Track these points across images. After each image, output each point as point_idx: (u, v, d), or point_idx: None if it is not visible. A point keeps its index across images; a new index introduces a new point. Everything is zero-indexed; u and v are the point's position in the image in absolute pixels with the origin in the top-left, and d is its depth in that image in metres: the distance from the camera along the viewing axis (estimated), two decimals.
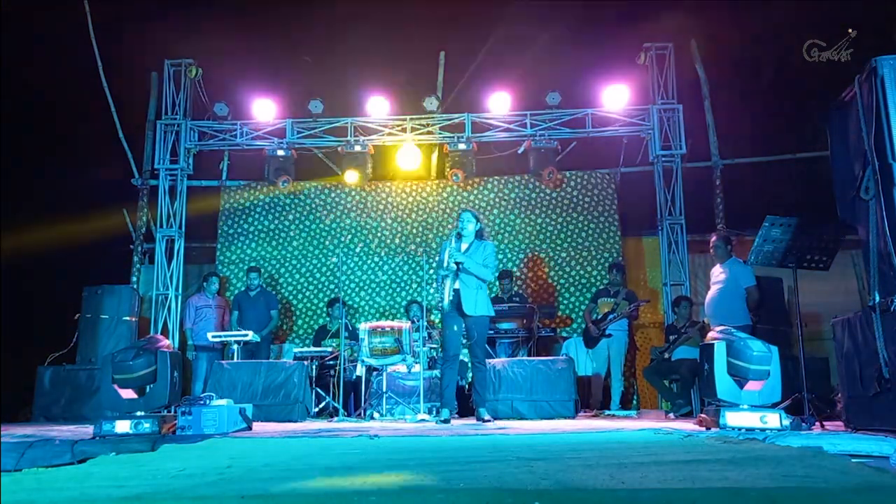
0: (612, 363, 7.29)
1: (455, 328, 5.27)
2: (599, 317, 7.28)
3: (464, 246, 5.38)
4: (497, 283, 8.04)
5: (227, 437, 3.90)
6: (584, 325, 7.54)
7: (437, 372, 5.89)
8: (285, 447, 3.18)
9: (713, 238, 6.52)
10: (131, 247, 8.60)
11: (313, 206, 8.89)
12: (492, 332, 7.37)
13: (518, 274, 8.42)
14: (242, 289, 8.12)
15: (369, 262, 8.72)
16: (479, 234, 5.45)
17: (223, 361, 6.50)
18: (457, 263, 5.20)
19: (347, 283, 8.54)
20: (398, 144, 8.45)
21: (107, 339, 7.27)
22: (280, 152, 8.47)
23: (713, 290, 6.38)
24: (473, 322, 5.26)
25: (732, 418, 3.92)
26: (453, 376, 5.39)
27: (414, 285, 8.57)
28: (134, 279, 8.44)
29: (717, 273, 6.43)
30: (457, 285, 5.21)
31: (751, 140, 9.40)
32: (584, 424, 4.99)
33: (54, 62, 9.67)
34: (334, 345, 6.95)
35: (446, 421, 5.19)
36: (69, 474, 2.32)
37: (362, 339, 6.30)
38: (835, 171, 4.34)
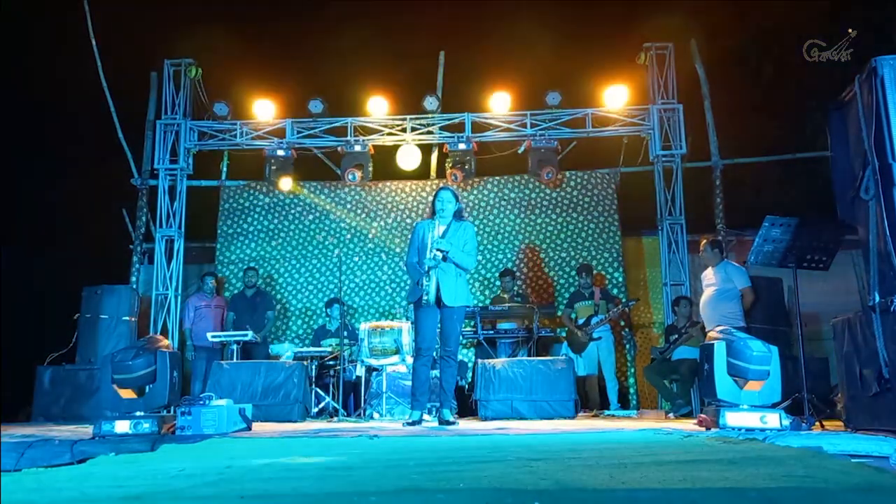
0: (603, 364, 7.30)
1: (431, 320, 4.85)
2: (583, 321, 7.29)
3: (441, 228, 4.88)
4: (499, 282, 8.05)
5: (227, 437, 3.89)
6: (564, 331, 7.54)
7: (437, 372, 5.86)
8: (285, 447, 3.18)
9: (702, 243, 6.60)
10: (131, 247, 8.59)
11: (313, 206, 8.88)
12: (492, 331, 7.37)
13: (518, 274, 8.41)
14: (241, 288, 8.12)
15: (369, 262, 8.71)
16: (458, 215, 4.96)
17: (222, 361, 6.49)
18: (440, 251, 4.70)
19: (347, 283, 8.53)
20: (398, 144, 8.45)
21: (106, 339, 7.25)
22: (280, 152, 8.47)
23: (707, 292, 6.42)
24: (450, 313, 4.83)
25: (732, 418, 3.92)
26: (427, 373, 4.95)
27: None
28: (133, 279, 8.42)
29: (709, 276, 6.48)
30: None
31: (751, 140, 9.42)
32: (584, 424, 4.99)
33: (54, 62, 9.68)
34: (334, 345, 6.95)
35: (416, 423, 4.78)
36: (69, 474, 2.32)
37: (362, 340, 6.30)
38: (835, 171, 4.34)
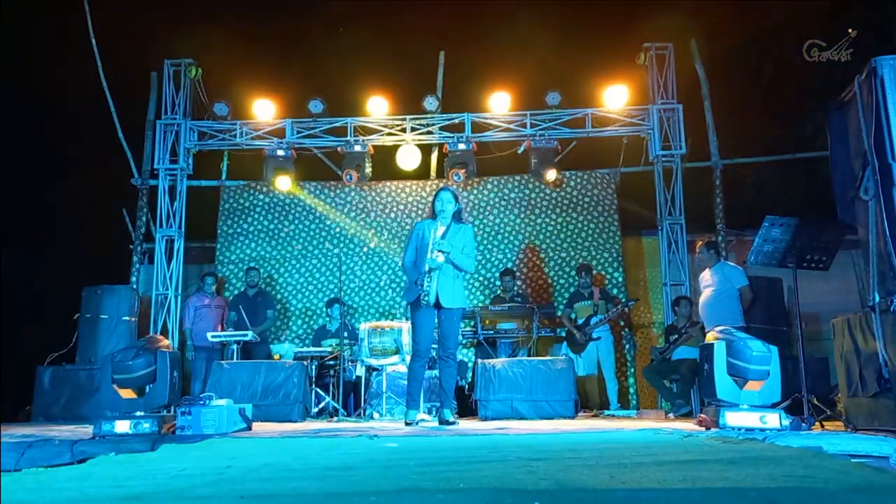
0: (603, 364, 7.31)
1: (428, 321, 4.86)
2: (582, 321, 7.30)
3: (441, 229, 4.86)
4: (499, 282, 8.05)
5: (227, 437, 3.89)
6: (564, 331, 7.54)
7: (436, 372, 5.86)
8: (285, 447, 3.18)
9: (698, 245, 6.63)
10: (131, 247, 8.59)
11: (313, 206, 8.88)
12: (492, 332, 7.37)
13: (518, 274, 8.41)
14: (242, 289, 8.12)
15: (369, 262, 8.72)
16: (458, 216, 4.93)
17: (222, 361, 6.50)
18: (441, 252, 4.70)
19: (347, 283, 8.53)
20: (398, 144, 8.45)
21: (106, 339, 7.25)
22: (280, 152, 8.47)
23: (705, 293, 6.44)
24: (448, 315, 4.84)
25: (732, 418, 3.92)
26: (423, 374, 5.01)
27: None
28: (133, 279, 8.42)
29: (707, 277, 6.52)
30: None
31: (751, 140, 9.42)
32: (584, 424, 4.99)
33: (54, 62, 9.67)
34: (334, 345, 6.95)
35: (413, 423, 4.80)
36: (69, 474, 2.32)
37: (362, 339, 6.30)
38: (835, 171, 4.34)
